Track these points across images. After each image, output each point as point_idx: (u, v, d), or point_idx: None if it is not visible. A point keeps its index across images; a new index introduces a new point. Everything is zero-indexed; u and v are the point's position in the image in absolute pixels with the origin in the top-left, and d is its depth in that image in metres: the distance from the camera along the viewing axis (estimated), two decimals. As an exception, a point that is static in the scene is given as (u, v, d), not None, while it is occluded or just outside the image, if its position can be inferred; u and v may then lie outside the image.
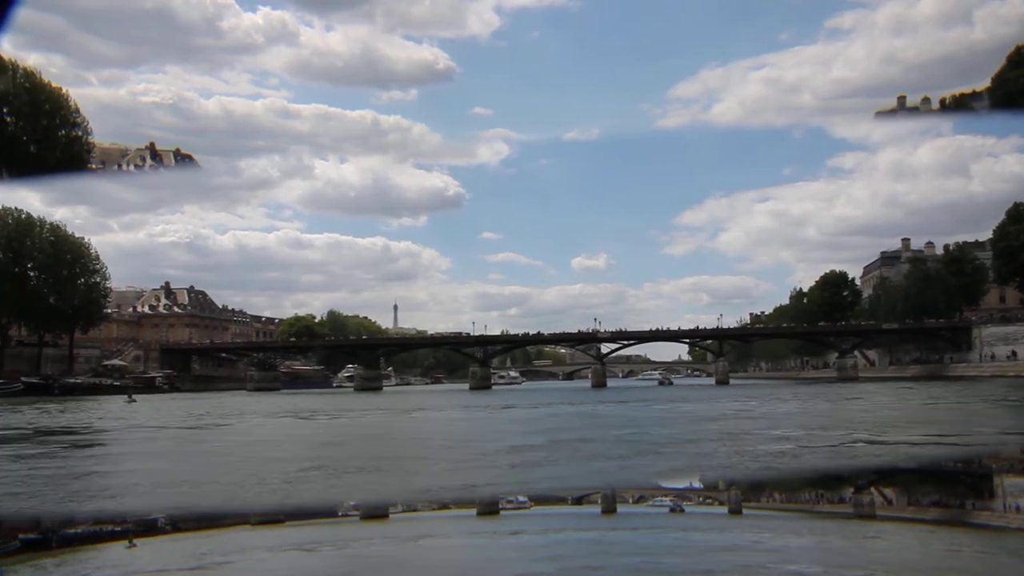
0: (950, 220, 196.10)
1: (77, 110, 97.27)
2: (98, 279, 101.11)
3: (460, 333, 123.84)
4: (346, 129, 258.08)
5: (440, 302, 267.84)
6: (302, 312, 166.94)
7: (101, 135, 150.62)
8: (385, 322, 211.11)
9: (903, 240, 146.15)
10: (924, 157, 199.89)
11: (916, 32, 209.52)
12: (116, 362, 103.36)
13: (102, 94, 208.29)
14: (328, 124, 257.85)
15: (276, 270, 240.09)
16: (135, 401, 59.59)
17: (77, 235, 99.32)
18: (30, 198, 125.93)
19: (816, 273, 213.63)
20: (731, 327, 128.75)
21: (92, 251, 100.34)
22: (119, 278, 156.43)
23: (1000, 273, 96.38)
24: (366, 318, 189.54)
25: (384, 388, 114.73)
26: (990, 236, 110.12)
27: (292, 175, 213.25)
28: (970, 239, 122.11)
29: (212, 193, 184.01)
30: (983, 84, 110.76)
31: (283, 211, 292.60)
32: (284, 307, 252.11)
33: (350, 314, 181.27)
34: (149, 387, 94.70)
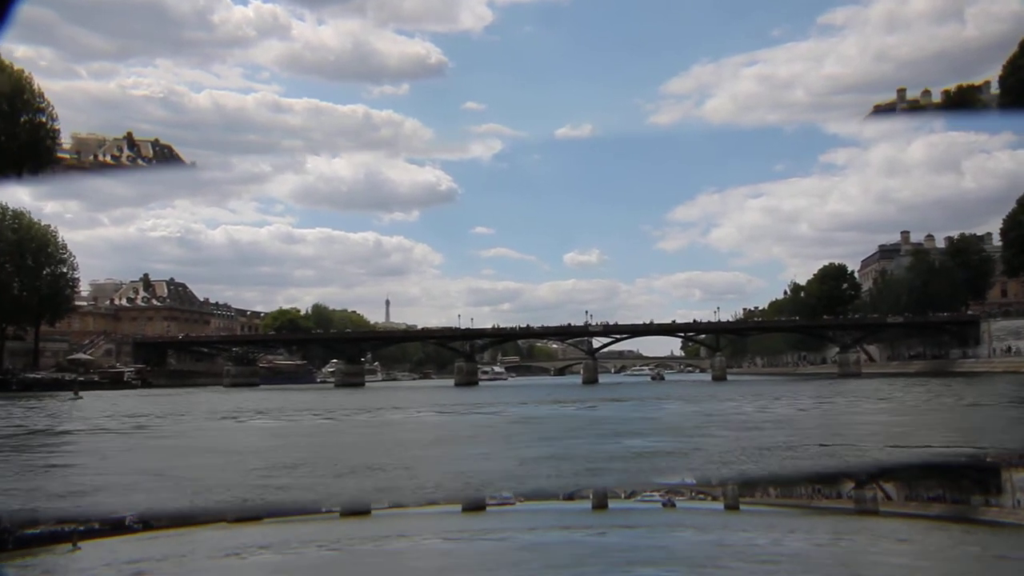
0: (942, 216, 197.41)
1: (41, 95, 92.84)
2: (65, 269, 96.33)
3: (449, 328, 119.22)
4: (338, 124, 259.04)
5: (433, 297, 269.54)
6: (293, 307, 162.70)
7: (90, 128, 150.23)
8: (377, 317, 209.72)
9: (902, 233, 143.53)
10: (916, 153, 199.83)
11: (908, 29, 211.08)
12: (82, 356, 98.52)
13: (92, 87, 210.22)
14: (320, 119, 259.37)
15: (268, 265, 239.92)
16: (81, 398, 55.30)
17: (44, 223, 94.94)
18: (19, 192, 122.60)
19: (808, 269, 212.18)
20: (727, 321, 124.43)
21: (59, 240, 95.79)
22: (109, 273, 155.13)
23: (1011, 264, 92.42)
24: (354, 312, 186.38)
25: (367, 384, 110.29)
26: (987, 232, 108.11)
27: (283, 170, 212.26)
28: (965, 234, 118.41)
29: (203, 188, 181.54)
30: (979, 79, 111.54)
31: (275, 206, 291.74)
32: (276, 302, 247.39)
33: (339, 308, 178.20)
34: (116, 382, 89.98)
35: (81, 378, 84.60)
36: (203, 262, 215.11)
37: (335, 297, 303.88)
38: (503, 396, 57.44)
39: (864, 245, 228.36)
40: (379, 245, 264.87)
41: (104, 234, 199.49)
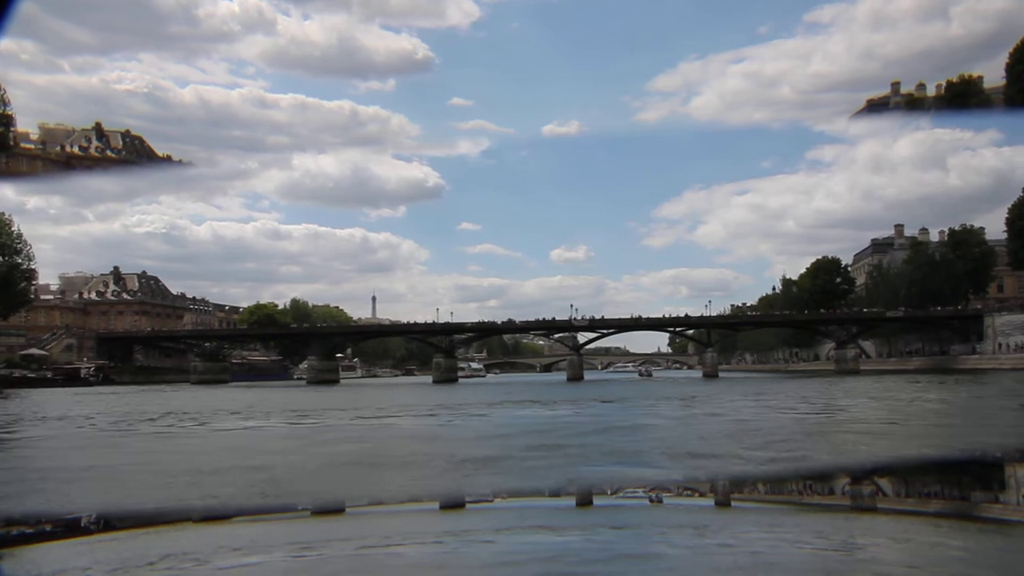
0: (929, 213, 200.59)
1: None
2: (20, 260, 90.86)
3: (428, 323, 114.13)
4: (324, 119, 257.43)
5: (419, 294, 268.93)
6: (271, 302, 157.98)
7: (74, 122, 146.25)
8: (364, 313, 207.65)
9: (896, 227, 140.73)
10: (902, 150, 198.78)
11: (894, 27, 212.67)
12: (35, 351, 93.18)
13: (75, 81, 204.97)
14: (306, 114, 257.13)
15: (254, 261, 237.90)
16: (5, 397, 50.70)
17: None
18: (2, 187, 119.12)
19: (795, 266, 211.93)
20: (719, 315, 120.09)
21: (14, 229, 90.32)
22: (95, 269, 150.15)
23: (1017, 256, 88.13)
24: (337, 307, 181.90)
25: (342, 381, 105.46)
26: (980, 227, 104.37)
27: (270, 165, 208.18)
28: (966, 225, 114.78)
29: (189, 183, 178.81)
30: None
31: (260, 202, 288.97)
32: (262, 299, 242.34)
33: (322, 304, 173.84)
34: (72, 379, 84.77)
35: (33, 375, 79.72)
36: (189, 258, 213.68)
37: (322, 293, 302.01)
38: (477, 395, 52.46)
39: (850, 242, 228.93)
40: (366, 241, 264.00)
41: (89, 230, 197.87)
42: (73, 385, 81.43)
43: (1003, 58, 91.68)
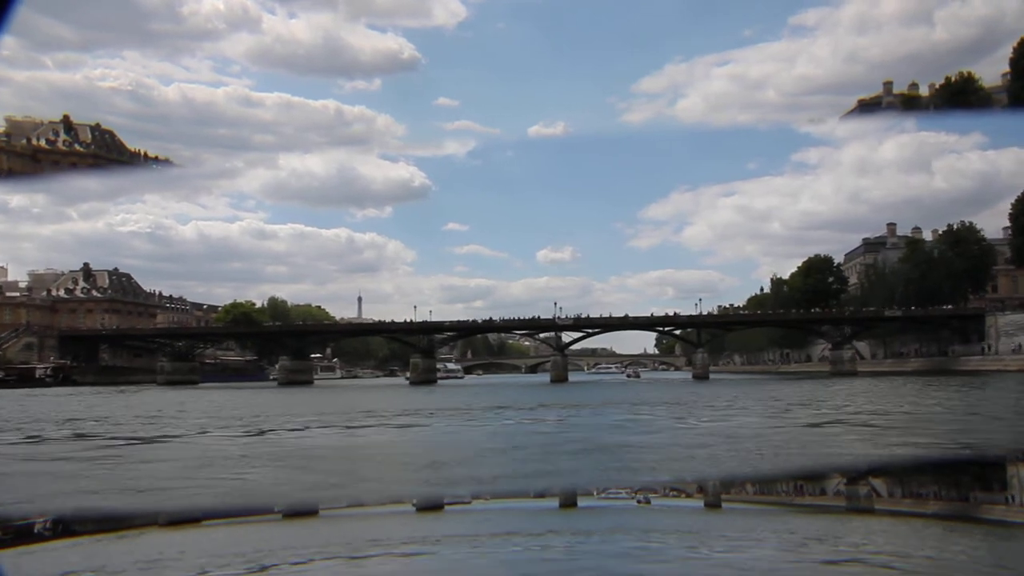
0: (916, 216, 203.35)
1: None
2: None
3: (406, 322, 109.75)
4: (309, 119, 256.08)
5: (406, 294, 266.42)
6: (248, 300, 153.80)
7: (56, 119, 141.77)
8: (350, 313, 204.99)
9: (888, 225, 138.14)
10: (888, 153, 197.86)
11: (879, 30, 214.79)
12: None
13: (57, 77, 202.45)
14: (291, 113, 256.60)
15: (240, 261, 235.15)
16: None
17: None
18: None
19: (781, 267, 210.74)
20: (710, 314, 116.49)
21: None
22: (77, 268, 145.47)
23: (1020, 252, 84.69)
24: (318, 307, 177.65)
25: (317, 382, 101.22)
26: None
27: (255, 164, 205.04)
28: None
29: (173, 182, 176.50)
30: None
31: (246, 201, 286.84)
32: (248, 298, 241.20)
33: (303, 303, 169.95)
34: (26, 380, 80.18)
35: (-17, 375, 75.29)
36: (174, 258, 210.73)
37: (307, 294, 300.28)
38: (461, 399, 48.05)
39: (836, 244, 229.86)
40: (351, 241, 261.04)
41: (72, 228, 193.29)
42: (26, 386, 76.90)
43: (988, 63, 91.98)
